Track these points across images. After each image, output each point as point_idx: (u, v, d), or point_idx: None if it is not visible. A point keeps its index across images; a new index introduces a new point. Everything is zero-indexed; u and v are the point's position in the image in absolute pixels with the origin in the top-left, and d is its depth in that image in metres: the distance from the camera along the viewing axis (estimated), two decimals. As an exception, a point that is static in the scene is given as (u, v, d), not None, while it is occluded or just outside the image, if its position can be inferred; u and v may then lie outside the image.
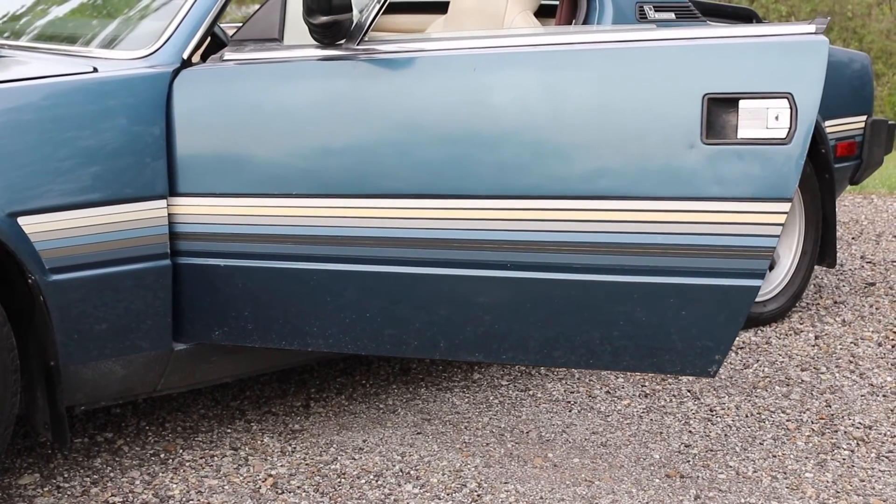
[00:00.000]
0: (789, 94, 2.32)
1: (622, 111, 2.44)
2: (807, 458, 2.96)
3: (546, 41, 2.58)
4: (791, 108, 2.32)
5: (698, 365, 2.51)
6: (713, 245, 2.41)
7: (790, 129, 2.33)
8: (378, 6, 2.65)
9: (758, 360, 3.71)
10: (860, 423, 3.19)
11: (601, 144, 2.46)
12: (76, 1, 3.29)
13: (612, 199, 2.44)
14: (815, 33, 2.35)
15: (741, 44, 2.40)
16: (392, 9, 4.25)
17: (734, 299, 2.43)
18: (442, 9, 4.07)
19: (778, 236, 2.37)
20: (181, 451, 2.95)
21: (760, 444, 3.05)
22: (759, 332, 4.01)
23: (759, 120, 2.34)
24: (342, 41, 2.63)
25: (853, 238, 5.52)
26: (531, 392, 3.40)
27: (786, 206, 2.35)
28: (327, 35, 2.60)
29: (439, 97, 2.55)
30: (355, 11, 2.69)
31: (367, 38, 2.64)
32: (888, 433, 3.12)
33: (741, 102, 2.36)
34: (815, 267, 4.32)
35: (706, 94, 2.37)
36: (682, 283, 2.44)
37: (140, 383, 2.75)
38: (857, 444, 3.05)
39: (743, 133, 2.36)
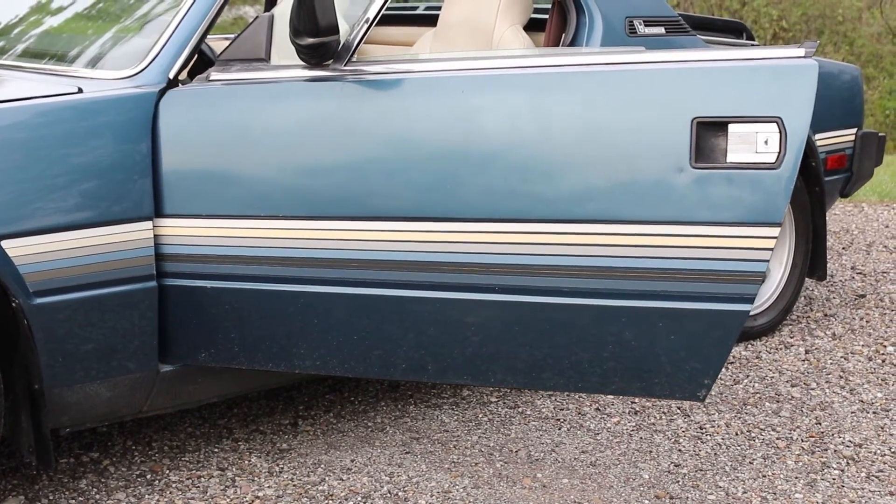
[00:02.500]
0: (779, 118, 2.31)
1: (611, 134, 2.42)
2: (797, 477, 2.95)
3: (535, 63, 2.56)
4: (780, 132, 2.31)
5: (688, 389, 2.50)
6: (702, 269, 2.40)
7: (779, 153, 2.32)
8: (365, 27, 2.63)
9: (748, 376, 3.70)
10: (850, 441, 3.18)
11: (590, 168, 2.44)
12: (62, 17, 3.27)
13: (601, 223, 2.42)
14: (804, 57, 2.34)
15: (730, 67, 2.39)
16: (381, 21, 4.21)
17: (723, 324, 2.42)
18: (431, 21, 4.05)
19: (767, 261, 2.36)
20: (168, 471, 2.93)
21: (750, 463, 3.04)
22: (749, 346, 4.00)
23: (749, 144, 2.33)
24: (329, 62, 2.61)
25: (843, 248, 5.52)
26: (520, 409, 3.38)
27: (775, 231, 2.34)
28: (314, 56, 2.58)
29: (427, 119, 2.53)
30: (345, 27, 2.68)
31: (354, 59, 2.62)
32: (878, 451, 3.11)
33: (730, 126, 2.34)
34: (806, 279, 4.31)
35: (695, 118, 2.36)
36: (671, 308, 2.43)
37: (126, 405, 2.73)
38: (848, 463, 3.04)
39: (732, 157, 2.35)
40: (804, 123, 2.31)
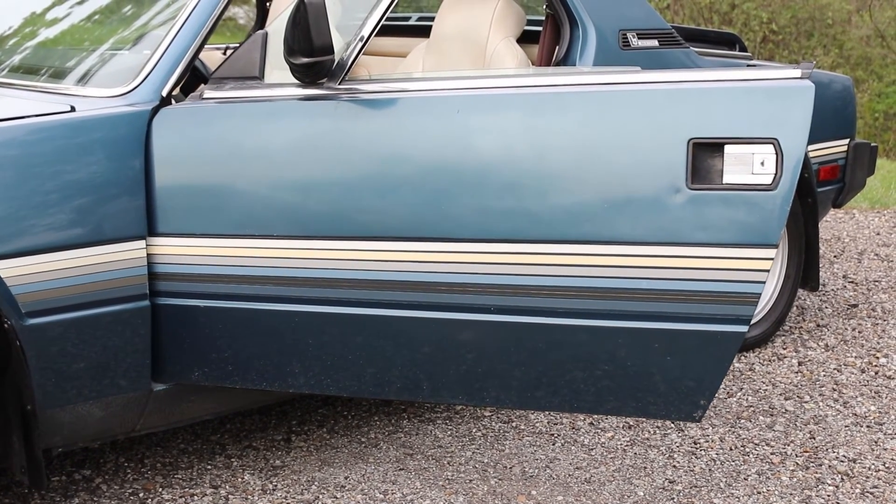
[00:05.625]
0: (775, 139, 2.31)
1: (606, 155, 2.42)
2: (791, 494, 2.95)
3: (530, 83, 2.55)
4: (777, 153, 2.31)
5: (683, 410, 2.49)
6: (698, 290, 2.39)
7: (776, 174, 2.31)
8: (360, 45, 2.62)
9: (741, 389, 3.70)
10: (844, 456, 3.18)
11: (585, 188, 2.43)
12: (54, 32, 3.25)
13: (597, 244, 2.42)
14: (800, 78, 2.34)
15: (726, 88, 2.39)
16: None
17: (720, 345, 2.41)
18: (424, 33, 4.04)
19: (764, 282, 2.36)
20: (160, 489, 2.91)
21: (745, 479, 3.03)
22: (742, 357, 4.00)
23: (745, 165, 2.33)
24: (324, 80, 2.60)
25: (835, 256, 5.52)
26: (514, 424, 3.37)
27: (771, 252, 2.34)
28: (308, 75, 2.57)
29: (422, 139, 2.52)
30: (340, 44, 2.66)
31: (348, 78, 2.61)
32: (872, 467, 3.11)
33: (726, 147, 2.34)
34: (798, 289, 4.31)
35: (691, 139, 2.35)
36: (668, 329, 2.42)
37: (119, 424, 2.71)
38: (842, 478, 3.04)
39: (728, 178, 2.34)
40: (801, 145, 2.31)
